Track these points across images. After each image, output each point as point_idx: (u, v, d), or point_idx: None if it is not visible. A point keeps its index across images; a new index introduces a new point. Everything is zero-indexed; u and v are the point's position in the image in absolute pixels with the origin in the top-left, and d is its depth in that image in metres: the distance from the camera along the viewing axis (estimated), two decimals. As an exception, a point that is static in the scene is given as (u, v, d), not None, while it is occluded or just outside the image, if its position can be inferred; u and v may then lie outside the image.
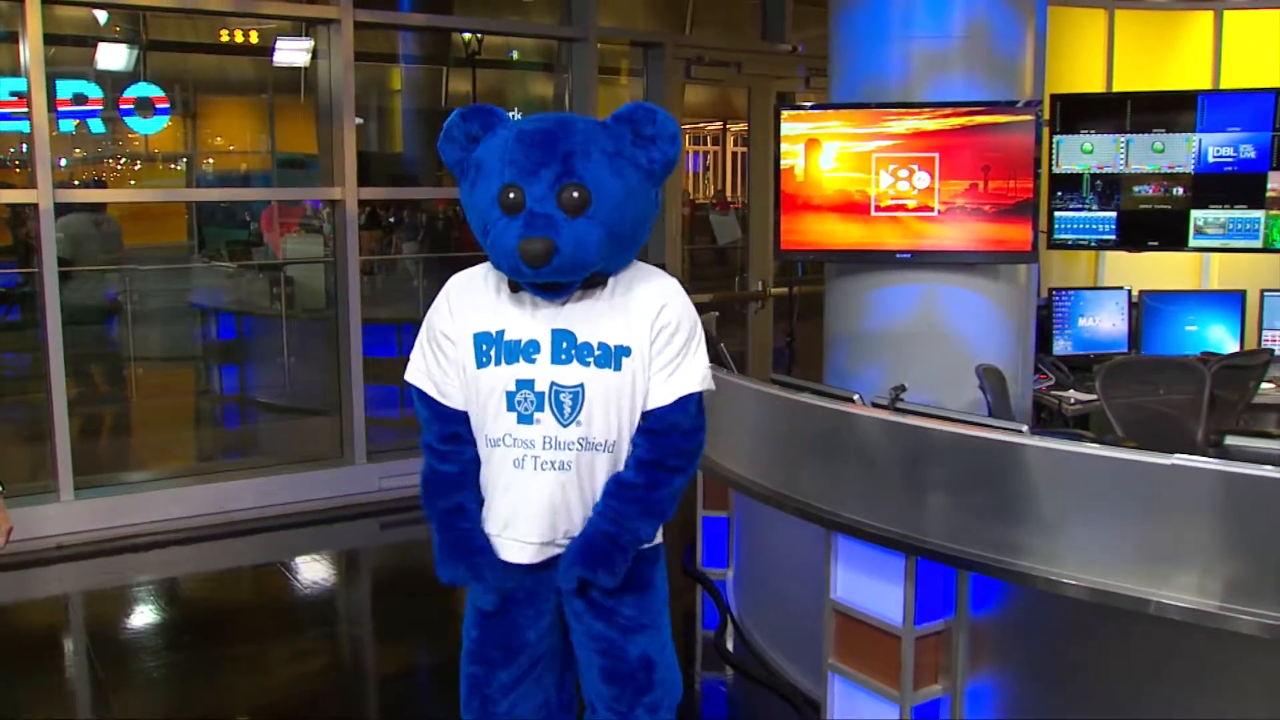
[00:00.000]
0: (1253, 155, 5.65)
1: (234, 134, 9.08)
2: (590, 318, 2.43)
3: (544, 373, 2.39)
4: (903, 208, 4.67)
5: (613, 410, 2.42)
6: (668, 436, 2.44)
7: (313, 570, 5.55)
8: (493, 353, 2.40)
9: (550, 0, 7.33)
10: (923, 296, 4.68)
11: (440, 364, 2.48)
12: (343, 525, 6.03)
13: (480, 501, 2.48)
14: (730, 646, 4.36)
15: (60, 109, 5.95)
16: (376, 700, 4.19)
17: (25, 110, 5.45)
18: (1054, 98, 5.80)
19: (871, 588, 3.23)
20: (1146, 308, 5.75)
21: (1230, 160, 5.69)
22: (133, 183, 7.93)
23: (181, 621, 4.87)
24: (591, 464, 2.42)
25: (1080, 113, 5.91)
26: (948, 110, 4.56)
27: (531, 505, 2.41)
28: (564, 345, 2.40)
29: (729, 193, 15.04)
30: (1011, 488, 2.83)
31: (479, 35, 8.59)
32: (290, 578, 5.37)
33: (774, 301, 7.86)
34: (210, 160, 8.85)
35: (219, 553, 5.65)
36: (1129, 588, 2.61)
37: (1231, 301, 5.72)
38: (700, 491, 4.61)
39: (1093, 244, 5.99)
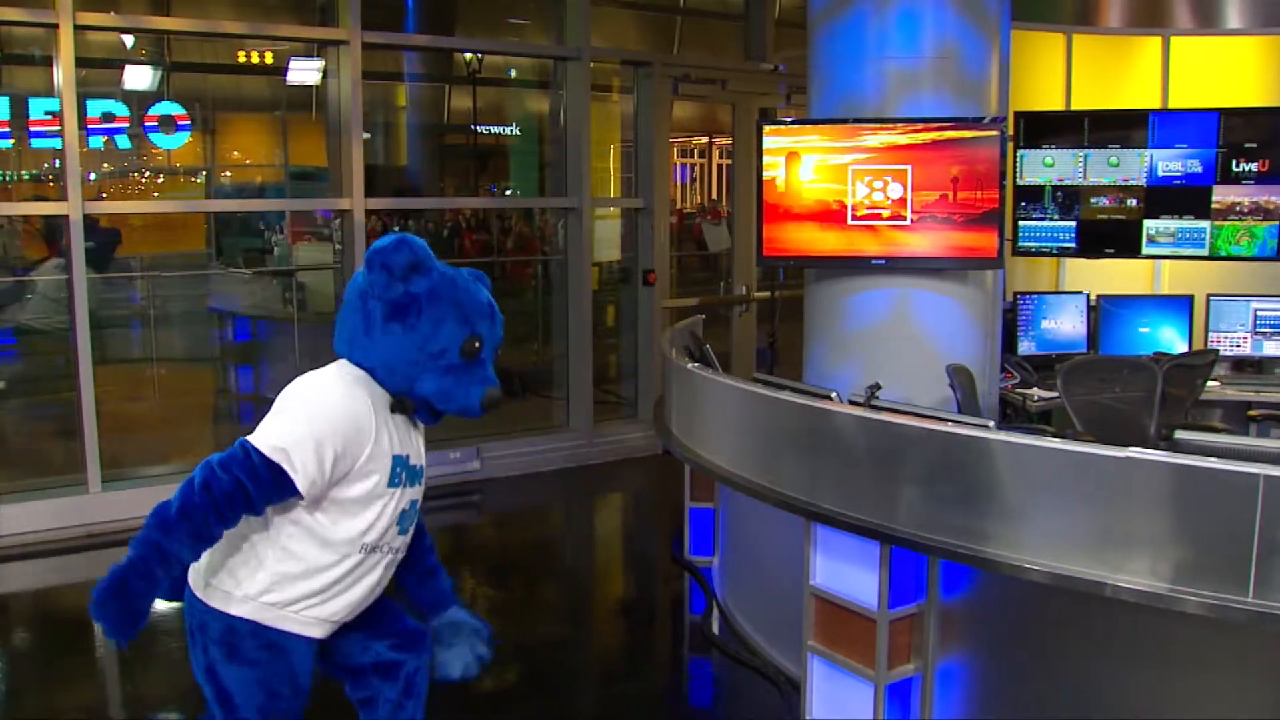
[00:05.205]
0: (1199, 170, 5.70)
1: (250, 148, 9.06)
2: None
3: (419, 493, 2.54)
4: (877, 216, 4.69)
5: None
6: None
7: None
8: (403, 475, 2.45)
9: (546, 22, 7.33)
10: (896, 300, 4.70)
11: (333, 466, 2.28)
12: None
13: None
14: (716, 630, 4.37)
15: (90, 127, 5.95)
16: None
17: (58, 128, 5.47)
18: (1017, 114, 5.83)
19: (848, 574, 3.25)
20: (1104, 311, 5.78)
21: (1179, 174, 5.74)
22: (156, 195, 7.91)
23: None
24: None
25: (1042, 129, 5.95)
26: (919, 126, 4.58)
27: (375, 592, 2.52)
28: (419, 467, 2.53)
29: (714, 203, 15.02)
30: (979, 479, 2.84)
31: (479, 55, 8.58)
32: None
33: (757, 305, 7.86)
34: (228, 173, 8.82)
35: (237, 541, 5.63)
36: (1086, 572, 2.63)
37: (1181, 305, 5.76)
38: (687, 484, 4.62)
39: (1054, 251, 6.02)
